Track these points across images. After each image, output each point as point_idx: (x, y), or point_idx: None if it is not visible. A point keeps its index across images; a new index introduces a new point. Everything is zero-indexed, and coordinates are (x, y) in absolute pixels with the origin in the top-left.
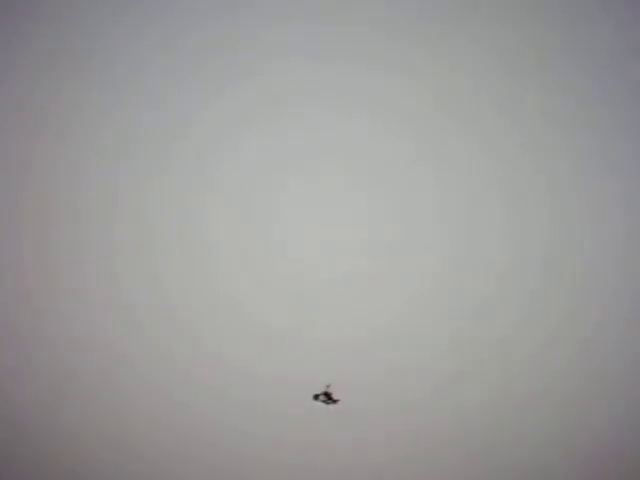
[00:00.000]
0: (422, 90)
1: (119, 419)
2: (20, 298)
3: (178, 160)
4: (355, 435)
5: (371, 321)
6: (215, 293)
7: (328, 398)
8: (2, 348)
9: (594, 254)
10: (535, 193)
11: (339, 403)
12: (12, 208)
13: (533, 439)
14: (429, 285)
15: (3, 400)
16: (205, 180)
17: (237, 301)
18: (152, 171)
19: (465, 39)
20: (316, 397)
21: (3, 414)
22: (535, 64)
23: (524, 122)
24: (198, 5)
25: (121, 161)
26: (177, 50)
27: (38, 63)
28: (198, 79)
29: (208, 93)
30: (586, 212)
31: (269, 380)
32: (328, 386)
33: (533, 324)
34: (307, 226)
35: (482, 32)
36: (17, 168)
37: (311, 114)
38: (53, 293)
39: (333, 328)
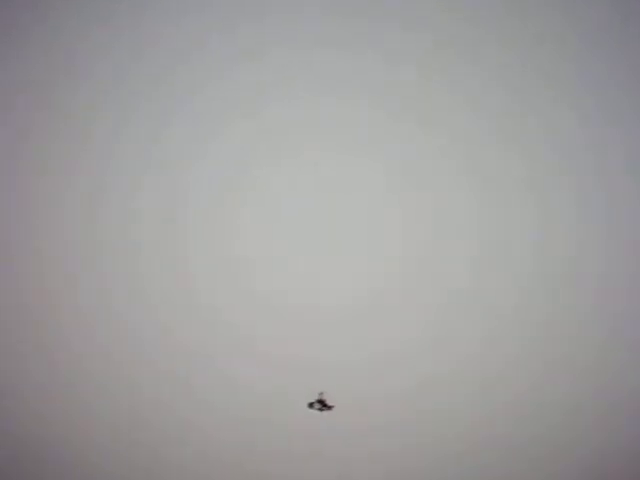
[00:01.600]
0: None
1: (115, 427)
2: (17, 309)
3: (169, 155)
4: (364, 450)
5: (382, 336)
6: (216, 307)
7: (323, 405)
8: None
9: (617, 258)
10: (555, 188)
11: (351, 422)
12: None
13: (552, 454)
14: (439, 294)
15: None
16: (201, 184)
17: (240, 318)
18: (145, 172)
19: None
20: (311, 405)
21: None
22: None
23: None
24: None
25: (115, 162)
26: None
27: (25, 63)
28: (200, 60)
29: (204, 78)
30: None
31: (273, 395)
32: (321, 393)
33: (554, 338)
34: (313, 238)
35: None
36: (10, 168)
37: (310, 107)
38: (50, 303)
39: (339, 343)
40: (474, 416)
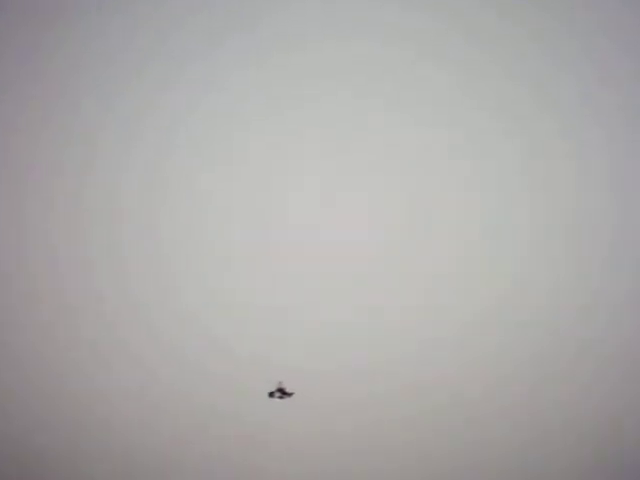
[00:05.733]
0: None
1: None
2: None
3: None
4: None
5: (374, 306)
6: (229, 286)
7: (283, 393)
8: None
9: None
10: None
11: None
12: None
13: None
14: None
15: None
16: (211, 161)
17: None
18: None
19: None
20: (271, 394)
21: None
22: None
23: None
24: None
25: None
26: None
27: (37, 62)
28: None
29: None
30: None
31: (281, 369)
32: (280, 382)
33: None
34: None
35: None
36: (18, 168)
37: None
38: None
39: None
40: (472, 412)
